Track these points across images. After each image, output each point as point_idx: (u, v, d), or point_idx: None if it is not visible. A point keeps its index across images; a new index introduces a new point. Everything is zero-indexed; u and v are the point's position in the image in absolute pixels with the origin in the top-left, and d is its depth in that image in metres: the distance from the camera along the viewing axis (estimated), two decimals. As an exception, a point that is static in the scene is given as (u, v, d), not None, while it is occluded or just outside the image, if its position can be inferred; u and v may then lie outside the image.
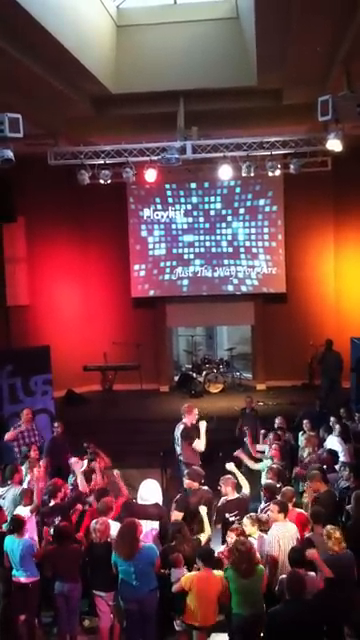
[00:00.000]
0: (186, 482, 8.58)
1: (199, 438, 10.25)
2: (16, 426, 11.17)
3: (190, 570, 7.03)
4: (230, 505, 8.26)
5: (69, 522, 8.05)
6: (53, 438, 11.31)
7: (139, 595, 6.94)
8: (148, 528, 7.71)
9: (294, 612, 5.99)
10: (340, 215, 17.06)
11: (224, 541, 7.89)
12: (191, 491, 8.45)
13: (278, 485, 8.48)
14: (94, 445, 10.45)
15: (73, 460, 9.20)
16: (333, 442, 10.26)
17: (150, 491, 8.22)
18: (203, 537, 7.76)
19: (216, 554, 7.28)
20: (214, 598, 6.76)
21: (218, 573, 6.84)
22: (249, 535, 7.29)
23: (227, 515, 8.18)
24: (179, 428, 10.47)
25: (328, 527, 6.92)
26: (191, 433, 10.32)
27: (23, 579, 7.51)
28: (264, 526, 7.54)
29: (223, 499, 8.38)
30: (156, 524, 7.91)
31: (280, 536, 7.27)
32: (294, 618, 5.96)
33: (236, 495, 8.35)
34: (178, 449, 10.51)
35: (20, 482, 8.95)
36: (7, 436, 11.00)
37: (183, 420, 10.48)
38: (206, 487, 8.59)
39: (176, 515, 8.12)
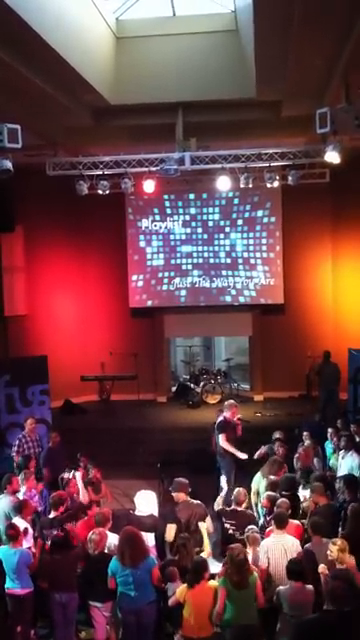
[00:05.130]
0: (174, 495, 8.54)
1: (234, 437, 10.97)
2: (20, 437, 11.19)
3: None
4: (232, 514, 8.28)
5: (66, 532, 7.99)
6: (49, 448, 11.28)
7: (137, 606, 6.91)
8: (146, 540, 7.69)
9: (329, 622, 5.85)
10: (338, 226, 17.10)
11: (223, 550, 7.87)
12: (181, 504, 8.38)
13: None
14: (85, 458, 10.42)
15: (77, 475, 9.16)
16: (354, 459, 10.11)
17: (146, 502, 8.21)
18: (204, 554, 7.72)
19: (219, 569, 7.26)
20: (209, 609, 6.72)
21: (213, 584, 6.81)
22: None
23: (224, 520, 8.19)
24: (218, 419, 11.18)
25: (344, 541, 6.87)
26: (227, 427, 10.93)
27: (18, 590, 7.47)
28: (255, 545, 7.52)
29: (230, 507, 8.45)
30: (151, 536, 7.88)
31: (270, 548, 7.25)
32: (329, 628, 5.82)
33: (240, 508, 8.34)
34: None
35: (14, 492, 8.91)
36: None
37: (223, 413, 11.13)
38: (198, 501, 8.55)
39: (170, 528, 8.08)
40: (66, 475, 9.53)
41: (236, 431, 11.13)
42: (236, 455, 10.82)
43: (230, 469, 10.95)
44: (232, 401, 11.66)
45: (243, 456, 10.83)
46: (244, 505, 8.50)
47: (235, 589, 6.57)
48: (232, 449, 10.87)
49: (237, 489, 8.68)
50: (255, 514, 8.94)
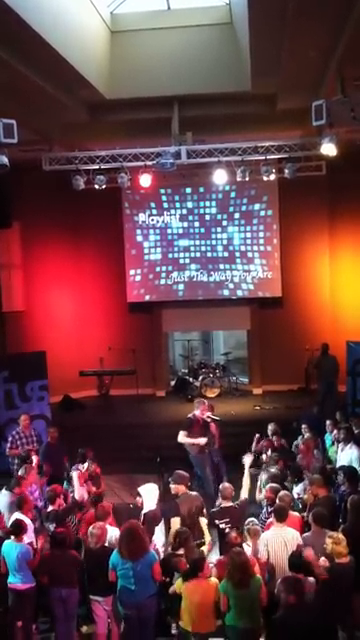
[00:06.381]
0: (172, 487, 8.55)
1: (203, 435, 10.62)
2: (14, 433, 11.18)
3: None
4: (222, 512, 8.22)
5: (66, 528, 8.03)
6: (48, 443, 11.31)
7: (138, 600, 6.91)
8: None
9: (297, 616, 6.00)
10: (335, 219, 17.10)
11: (221, 548, 7.88)
12: (181, 496, 8.39)
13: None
14: (91, 451, 10.43)
15: (73, 472, 9.14)
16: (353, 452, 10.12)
17: (150, 495, 8.28)
18: (204, 547, 7.73)
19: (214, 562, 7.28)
20: (207, 605, 6.72)
21: (213, 580, 6.82)
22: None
23: (217, 522, 8.15)
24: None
25: (338, 534, 6.89)
26: (194, 425, 10.67)
27: (19, 585, 7.50)
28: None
29: (218, 505, 8.37)
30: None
31: (270, 541, 7.27)
32: (298, 622, 5.96)
33: (230, 504, 8.28)
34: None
35: (21, 494, 8.90)
36: None
37: (194, 411, 10.90)
38: (195, 492, 8.57)
39: (175, 522, 8.09)
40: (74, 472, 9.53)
41: (209, 429, 10.85)
42: (198, 443, 10.62)
43: (201, 464, 10.71)
44: (201, 399, 11.57)
45: (202, 440, 10.63)
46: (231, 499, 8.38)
47: (236, 589, 6.52)
48: (189, 440, 10.63)
49: (222, 484, 8.56)
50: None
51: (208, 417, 10.87)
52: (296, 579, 6.41)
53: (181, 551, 7.36)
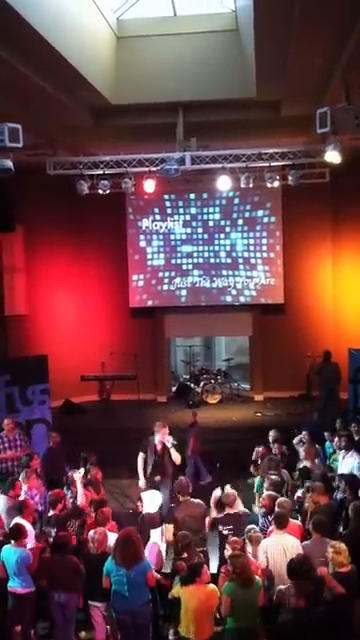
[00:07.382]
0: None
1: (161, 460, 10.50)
2: None
3: None
4: (226, 519, 8.20)
5: (67, 533, 8.01)
6: (49, 448, 11.29)
7: (131, 607, 6.91)
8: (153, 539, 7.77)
9: (304, 621, 6.01)
10: (338, 226, 17.11)
11: (222, 556, 7.86)
12: (181, 503, 8.39)
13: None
14: (93, 456, 10.41)
15: (76, 475, 9.10)
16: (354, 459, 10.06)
17: (151, 501, 8.27)
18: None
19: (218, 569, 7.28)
20: (205, 611, 6.71)
21: (211, 587, 6.80)
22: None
23: (220, 527, 8.14)
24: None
25: (339, 544, 6.85)
26: (147, 448, 10.54)
27: (19, 590, 7.49)
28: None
29: (223, 512, 8.34)
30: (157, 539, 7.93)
31: (269, 548, 7.26)
32: (304, 627, 5.97)
33: (234, 510, 8.26)
34: None
35: (15, 497, 8.87)
36: None
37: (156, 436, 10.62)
38: (198, 500, 8.55)
39: (169, 528, 8.09)
40: (70, 474, 9.51)
41: (166, 456, 10.58)
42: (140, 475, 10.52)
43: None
44: (159, 422, 11.09)
45: (141, 482, 10.42)
46: (235, 506, 8.34)
47: (241, 588, 6.56)
48: (140, 471, 10.51)
49: (226, 491, 8.48)
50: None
51: (168, 441, 10.64)
52: (305, 583, 6.37)
53: (185, 555, 7.36)
